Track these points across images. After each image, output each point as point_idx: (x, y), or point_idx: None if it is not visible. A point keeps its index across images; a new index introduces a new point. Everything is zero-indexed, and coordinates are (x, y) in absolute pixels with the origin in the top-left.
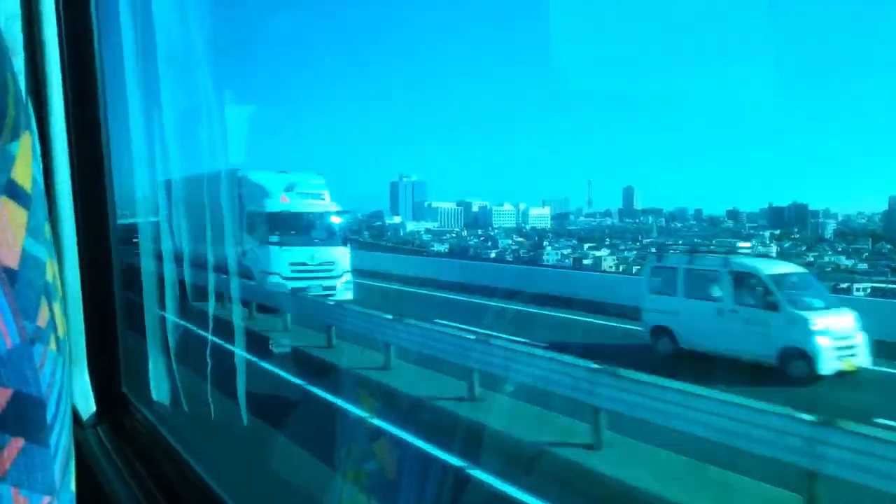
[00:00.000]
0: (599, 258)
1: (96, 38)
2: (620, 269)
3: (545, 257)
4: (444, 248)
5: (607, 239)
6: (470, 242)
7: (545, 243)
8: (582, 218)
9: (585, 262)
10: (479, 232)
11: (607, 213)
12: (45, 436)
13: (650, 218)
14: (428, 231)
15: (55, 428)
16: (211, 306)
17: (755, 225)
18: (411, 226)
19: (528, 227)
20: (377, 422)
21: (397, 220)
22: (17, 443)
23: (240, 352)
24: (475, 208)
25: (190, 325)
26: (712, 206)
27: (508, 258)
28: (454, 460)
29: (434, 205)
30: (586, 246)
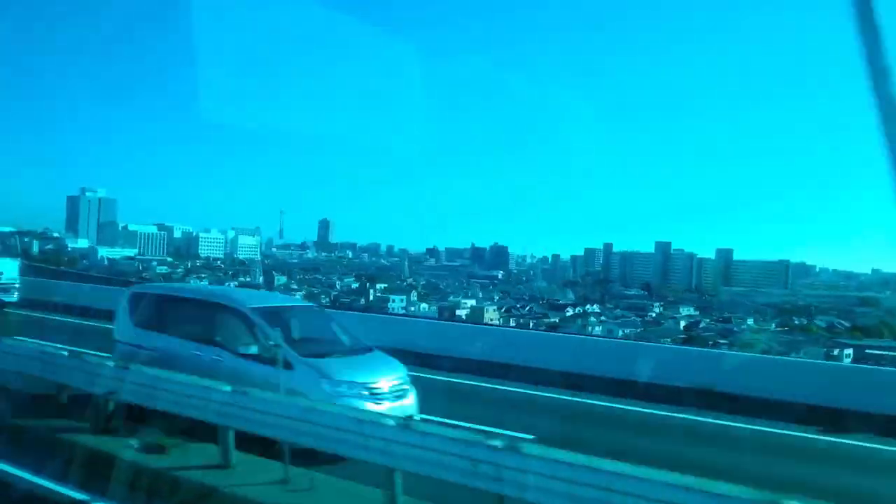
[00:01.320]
0: (480, 309)
1: None
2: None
3: (391, 305)
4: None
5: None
6: (228, 277)
7: (368, 286)
8: (274, 249)
9: (458, 312)
10: (226, 263)
11: (304, 246)
12: None
13: (349, 252)
14: (145, 260)
15: None
16: None
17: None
18: (105, 252)
19: (238, 255)
20: None
21: (83, 243)
22: None
23: None
24: (178, 233)
25: None
26: (406, 243)
27: (325, 302)
28: None
29: (131, 227)
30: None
